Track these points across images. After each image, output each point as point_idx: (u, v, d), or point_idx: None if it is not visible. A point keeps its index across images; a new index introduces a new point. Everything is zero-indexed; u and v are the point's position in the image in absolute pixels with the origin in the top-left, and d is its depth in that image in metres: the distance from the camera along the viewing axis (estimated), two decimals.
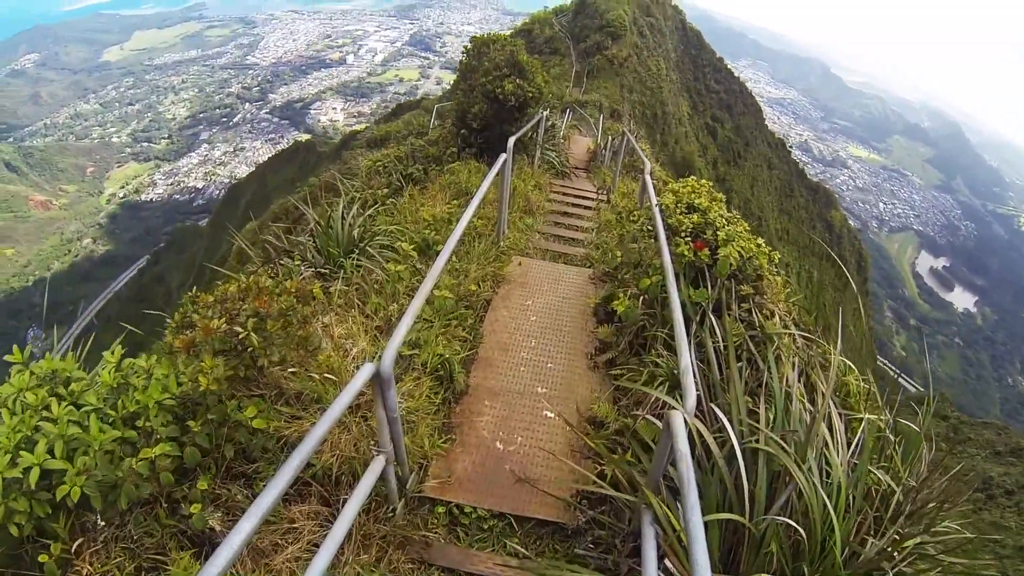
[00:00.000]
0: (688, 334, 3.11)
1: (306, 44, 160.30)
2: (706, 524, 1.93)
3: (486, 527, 3.12)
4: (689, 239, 3.76)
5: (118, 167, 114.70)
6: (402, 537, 2.90)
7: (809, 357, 3.38)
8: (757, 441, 2.82)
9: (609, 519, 3.07)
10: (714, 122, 47.88)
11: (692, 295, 3.53)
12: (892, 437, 3.26)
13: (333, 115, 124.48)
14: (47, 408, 2.52)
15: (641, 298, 3.93)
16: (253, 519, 1.54)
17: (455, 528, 3.11)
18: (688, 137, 39.09)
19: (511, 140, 5.67)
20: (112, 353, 2.89)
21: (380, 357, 2.42)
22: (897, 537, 2.69)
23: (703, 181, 4.54)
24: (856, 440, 3.08)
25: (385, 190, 6.88)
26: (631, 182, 10.32)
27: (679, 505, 2.18)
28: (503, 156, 4.95)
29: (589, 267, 5.82)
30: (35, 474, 2.22)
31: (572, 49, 35.08)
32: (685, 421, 2.29)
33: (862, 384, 3.47)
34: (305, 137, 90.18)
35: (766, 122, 59.43)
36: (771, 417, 2.99)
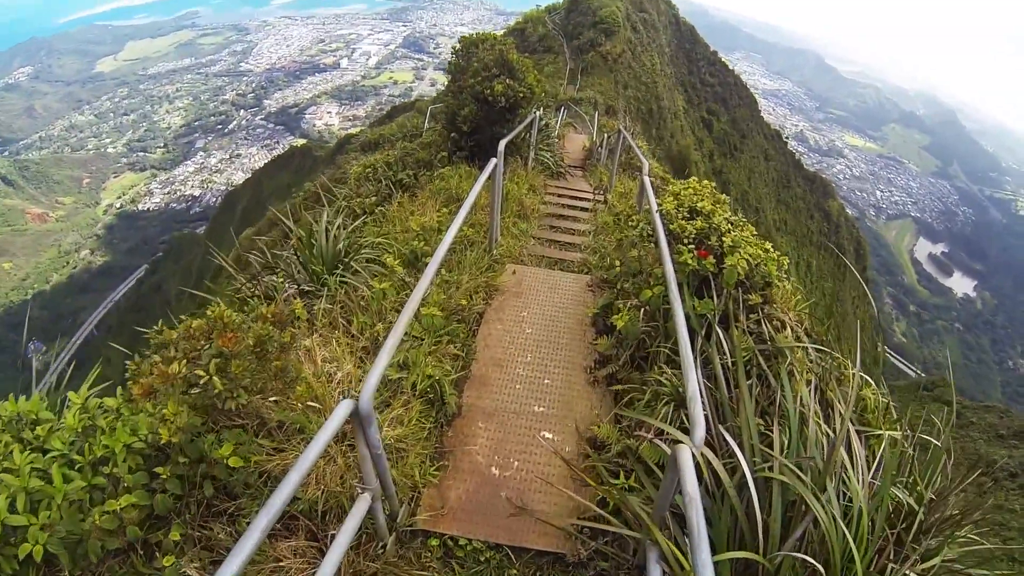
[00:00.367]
0: (693, 350, 2.90)
1: (300, 49, 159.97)
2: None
3: (482, 559, 2.94)
4: (692, 246, 3.54)
5: (114, 178, 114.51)
6: (393, 574, 2.71)
7: (824, 372, 3.17)
8: (771, 469, 2.64)
9: (613, 550, 2.89)
10: (710, 115, 47.74)
11: (697, 306, 3.31)
12: (911, 451, 3.07)
13: (328, 119, 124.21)
14: (10, 456, 2.34)
15: (642, 310, 3.72)
16: (234, 565, 1.44)
17: (450, 561, 2.92)
18: (684, 131, 38.91)
19: (502, 143, 5.45)
20: (80, 392, 2.72)
21: (359, 392, 2.23)
22: (918, 558, 2.52)
23: (705, 183, 4.29)
24: (877, 461, 2.89)
25: (374, 198, 6.68)
26: (628, 180, 10.06)
27: (687, 538, 2.04)
28: (493, 161, 4.72)
29: (586, 273, 5.59)
30: None
31: (565, 47, 34.90)
32: (693, 455, 2.11)
33: (880, 398, 3.26)
34: (301, 142, 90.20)
35: (762, 114, 59.40)
36: (785, 441, 2.79)
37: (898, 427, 3.20)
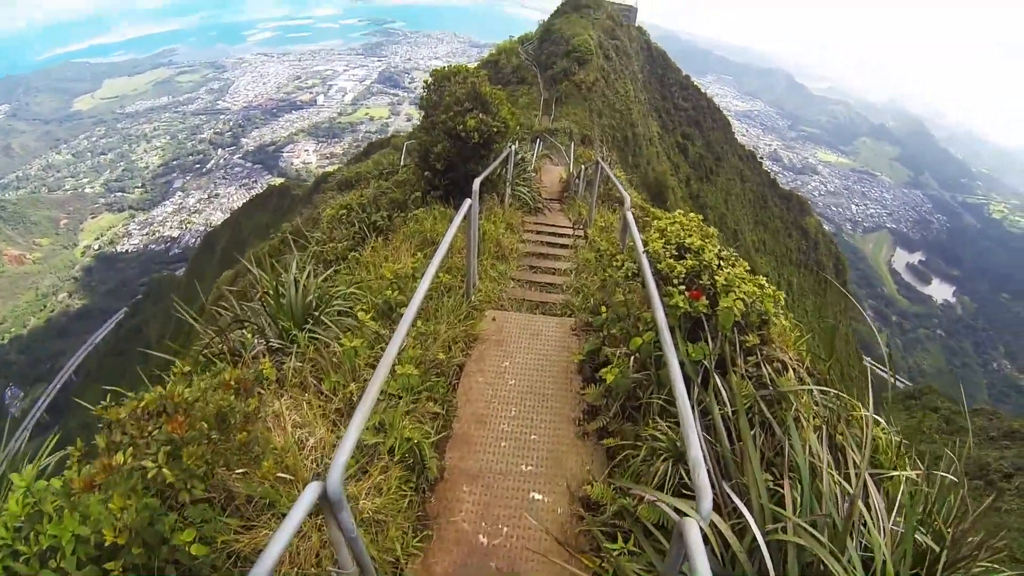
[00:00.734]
0: (690, 398, 2.69)
1: (276, 86, 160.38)
2: None
3: None
4: (683, 287, 3.33)
5: (92, 218, 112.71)
6: None
7: (832, 415, 2.97)
8: (784, 530, 2.42)
9: None
10: (684, 140, 48.38)
11: (691, 352, 3.09)
12: (927, 489, 2.87)
13: (306, 157, 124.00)
14: None
15: (632, 357, 3.49)
16: None
17: None
18: (659, 157, 39.29)
19: (476, 182, 5.22)
20: (26, 473, 2.43)
21: (328, 472, 1.99)
22: None
23: (692, 216, 4.08)
24: (895, 505, 2.68)
25: (347, 243, 6.44)
26: (608, 212, 9.87)
27: None
28: (468, 201, 4.49)
29: (570, 316, 5.34)
30: None
31: (539, 77, 35.17)
32: (701, 529, 1.89)
33: (893, 437, 3.06)
34: (279, 181, 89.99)
35: (736, 135, 60.28)
36: (797, 497, 2.57)
37: (910, 463, 3.02)
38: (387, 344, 3.03)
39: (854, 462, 2.73)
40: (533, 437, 3.69)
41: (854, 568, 2.30)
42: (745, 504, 2.52)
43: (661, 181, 31.48)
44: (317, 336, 3.87)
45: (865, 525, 2.48)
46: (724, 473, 2.81)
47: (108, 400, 2.67)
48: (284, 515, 1.71)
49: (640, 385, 3.42)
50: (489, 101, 8.51)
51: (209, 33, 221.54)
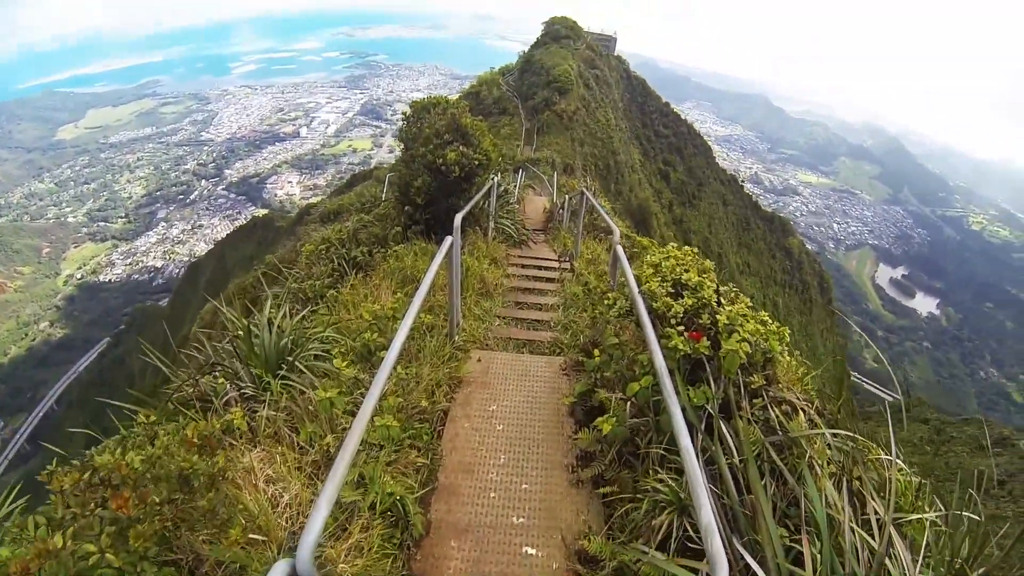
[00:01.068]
0: (694, 446, 2.48)
1: (259, 118, 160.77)
2: None
3: None
4: (682, 328, 3.14)
5: (75, 247, 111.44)
6: None
7: (846, 459, 2.76)
8: None
9: None
10: (666, 166, 48.93)
11: (693, 396, 2.89)
12: (947, 529, 2.68)
13: (289, 188, 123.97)
14: None
15: (628, 403, 3.28)
16: None
17: None
18: (642, 184, 39.59)
19: (457, 218, 5.03)
20: None
21: (297, 547, 1.77)
22: None
23: (686, 248, 3.87)
24: (921, 554, 2.48)
25: (326, 279, 6.19)
26: (594, 243, 9.70)
27: None
28: (449, 239, 4.26)
29: (559, 354, 5.12)
30: None
31: (521, 107, 35.45)
32: None
33: (912, 478, 2.87)
34: (262, 212, 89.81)
35: (717, 160, 61.06)
36: (816, 553, 2.35)
37: (928, 503, 2.83)
38: (367, 390, 2.80)
39: (874, 509, 2.53)
40: (524, 486, 3.45)
41: None
42: (759, 563, 2.31)
43: (644, 208, 31.66)
44: (292, 384, 3.63)
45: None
46: (734, 527, 2.59)
47: (55, 464, 2.42)
48: None
49: (638, 431, 3.21)
50: (470, 133, 8.26)
51: (195, 65, 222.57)
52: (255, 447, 3.46)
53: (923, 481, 2.89)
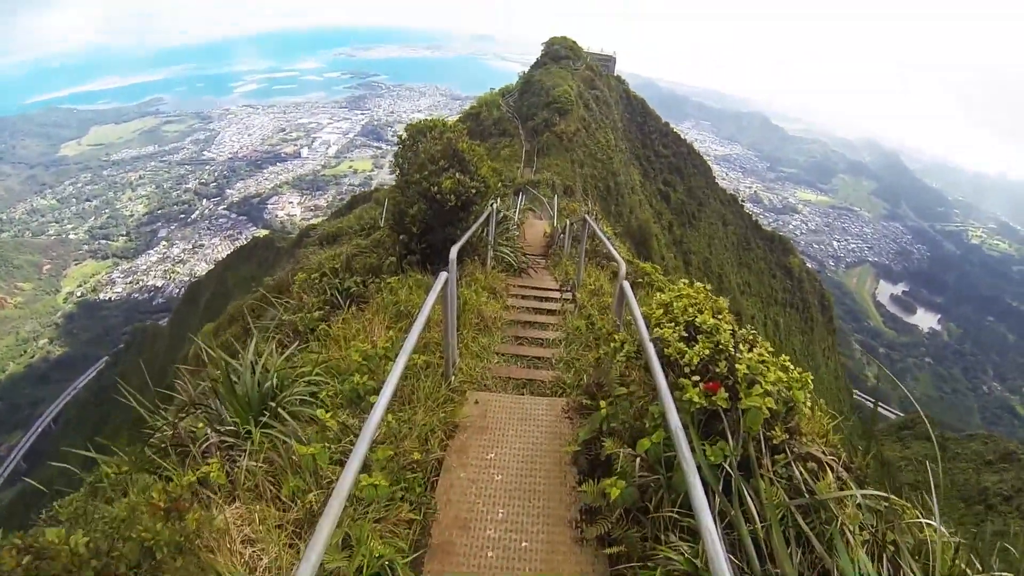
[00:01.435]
0: (711, 510, 2.24)
1: (261, 138, 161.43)
2: None
3: None
4: (696, 378, 2.90)
5: (75, 265, 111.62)
6: None
7: (879, 521, 2.51)
8: None
9: None
10: (666, 186, 48.98)
11: (709, 453, 2.66)
12: None
13: (290, 209, 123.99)
14: None
15: (638, 459, 3.04)
16: None
17: None
18: (642, 205, 39.59)
19: (453, 251, 4.85)
20: None
21: None
22: None
23: (698, 286, 3.68)
24: None
25: (317, 312, 5.97)
26: (596, 269, 9.49)
27: None
28: (444, 275, 4.05)
29: (561, 394, 4.87)
30: None
31: (520, 128, 35.47)
32: None
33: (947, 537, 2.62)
34: (263, 233, 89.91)
35: (716, 179, 61.15)
36: None
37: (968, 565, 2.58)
38: (355, 437, 2.58)
39: None
40: (524, 544, 3.21)
41: None
42: None
43: (645, 229, 31.56)
44: (274, 433, 3.40)
45: None
46: None
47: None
48: None
49: (647, 488, 2.97)
50: (467, 158, 7.90)
51: (196, 84, 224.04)
52: (234, 501, 3.25)
53: (961, 542, 2.65)
